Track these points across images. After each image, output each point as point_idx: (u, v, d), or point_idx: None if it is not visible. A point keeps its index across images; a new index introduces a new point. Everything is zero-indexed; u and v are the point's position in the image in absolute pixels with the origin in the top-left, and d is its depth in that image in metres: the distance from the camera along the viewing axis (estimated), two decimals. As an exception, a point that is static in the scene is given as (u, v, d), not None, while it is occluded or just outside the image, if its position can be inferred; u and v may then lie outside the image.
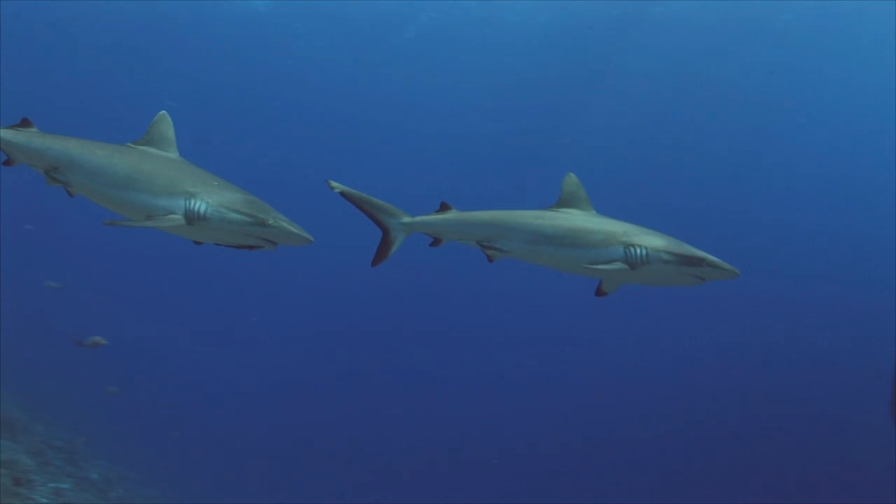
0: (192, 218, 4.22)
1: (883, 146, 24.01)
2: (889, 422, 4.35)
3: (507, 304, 23.85)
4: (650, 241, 4.54)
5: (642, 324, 18.60)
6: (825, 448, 14.29)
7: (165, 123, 4.77)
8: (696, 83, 22.85)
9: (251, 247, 4.33)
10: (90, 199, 4.67)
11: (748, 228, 24.44)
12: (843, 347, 17.60)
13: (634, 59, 21.72)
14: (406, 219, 4.98)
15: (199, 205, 4.23)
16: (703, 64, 21.77)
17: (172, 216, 4.25)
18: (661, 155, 26.59)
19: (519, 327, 22.71)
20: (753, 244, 19.78)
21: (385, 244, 4.98)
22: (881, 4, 16.82)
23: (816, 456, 14.06)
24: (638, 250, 4.52)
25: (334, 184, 4.95)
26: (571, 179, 5.05)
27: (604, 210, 5.04)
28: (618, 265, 4.54)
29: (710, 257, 4.49)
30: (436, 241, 5.07)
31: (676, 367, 17.78)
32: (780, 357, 17.63)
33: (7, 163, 4.83)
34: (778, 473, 14.24)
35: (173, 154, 4.74)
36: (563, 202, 5.01)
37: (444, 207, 5.10)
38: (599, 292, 4.88)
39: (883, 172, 24.55)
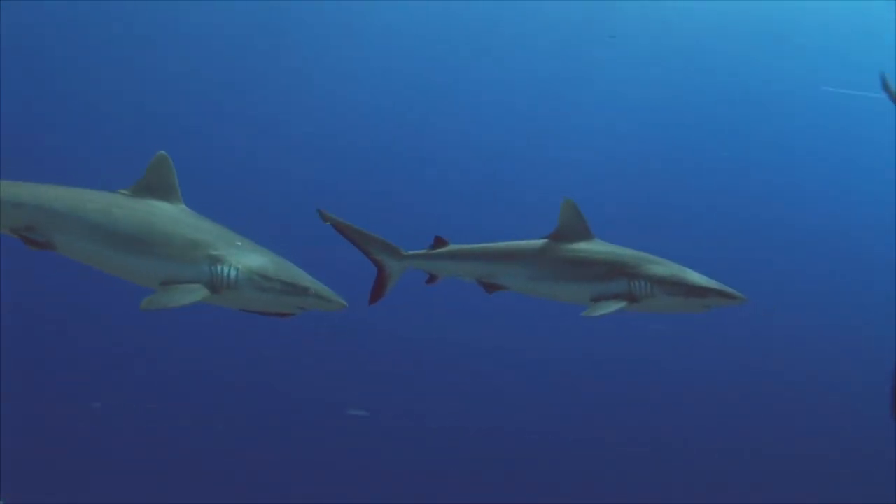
0: (219, 287, 3.61)
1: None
2: (889, 421, 4.35)
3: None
4: (654, 271, 4.39)
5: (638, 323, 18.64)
6: (824, 448, 14.28)
7: (166, 167, 4.04)
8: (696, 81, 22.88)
9: (279, 314, 3.85)
10: (82, 262, 3.88)
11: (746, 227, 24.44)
12: (843, 347, 17.58)
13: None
14: (401, 254, 4.86)
15: (228, 271, 3.62)
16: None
17: (195, 288, 3.56)
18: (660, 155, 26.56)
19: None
20: (750, 244, 19.77)
21: (381, 281, 4.86)
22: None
23: (816, 456, 14.05)
24: (642, 283, 4.37)
25: (327, 214, 4.77)
26: (569, 205, 4.81)
27: (602, 231, 4.85)
28: (619, 304, 4.35)
29: (717, 286, 4.37)
30: (432, 279, 4.94)
31: (673, 368, 17.79)
32: (780, 357, 17.62)
33: None
34: (776, 474, 14.23)
35: (179, 204, 4.01)
36: (562, 230, 4.80)
37: (438, 242, 4.93)
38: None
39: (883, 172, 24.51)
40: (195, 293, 3.55)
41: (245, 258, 3.71)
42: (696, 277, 4.41)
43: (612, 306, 4.33)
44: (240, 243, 3.83)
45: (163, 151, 4.04)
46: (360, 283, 4.75)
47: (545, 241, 4.81)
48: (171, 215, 3.89)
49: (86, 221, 3.72)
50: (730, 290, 4.39)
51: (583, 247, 4.70)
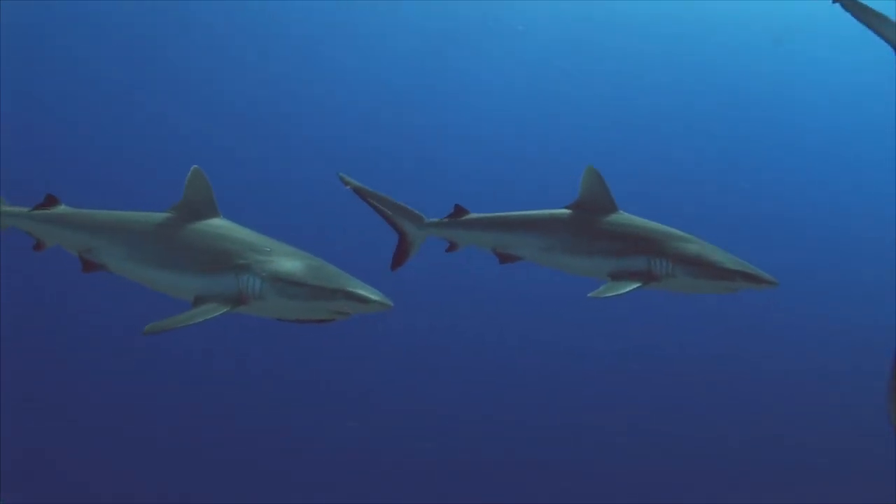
0: (246, 298, 3.51)
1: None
2: (887, 421, 4.36)
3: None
4: (678, 249, 4.12)
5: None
6: (823, 447, 14.27)
7: (201, 181, 4.04)
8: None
9: (321, 321, 3.64)
10: (130, 279, 4.02)
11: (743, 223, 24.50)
12: (841, 347, 17.56)
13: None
14: (423, 222, 4.80)
15: (252, 281, 3.52)
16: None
17: (214, 306, 3.49)
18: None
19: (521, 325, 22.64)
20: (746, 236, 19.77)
21: (402, 248, 4.81)
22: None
23: (814, 455, 14.04)
24: (663, 262, 4.08)
25: (347, 179, 4.69)
26: (591, 173, 4.50)
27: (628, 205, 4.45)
28: (632, 285, 4.03)
29: (744, 268, 4.06)
30: (451, 247, 4.86)
31: (671, 364, 17.77)
32: (776, 354, 17.60)
33: (37, 247, 4.31)
34: (776, 473, 14.22)
35: (215, 217, 4.00)
36: (583, 200, 4.53)
37: (458, 211, 4.82)
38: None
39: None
40: (211, 310, 3.47)
41: (271, 265, 3.55)
42: (722, 257, 4.10)
43: (625, 287, 4.04)
44: (269, 249, 3.67)
45: (196, 166, 4.08)
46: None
47: (565, 211, 4.58)
48: (207, 230, 3.91)
49: (129, 242, 3.95)
50: (760, 273, 4.07)
51: (603, 219, 4.42)
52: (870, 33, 3.69)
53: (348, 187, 4.69)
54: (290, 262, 3.59)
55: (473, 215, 4.78)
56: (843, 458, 13.81)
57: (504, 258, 4.63)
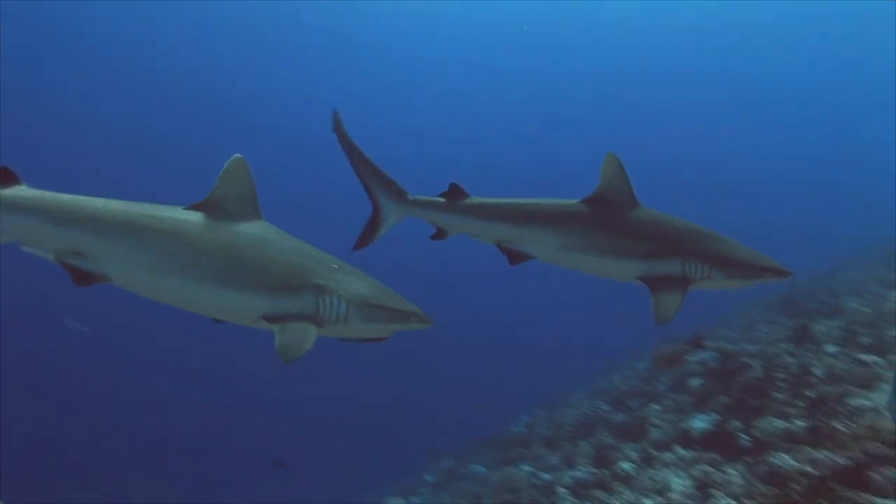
0: (325, 321, 3.08)
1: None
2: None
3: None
4: (712, 250, 3.80)
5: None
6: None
7: (244, 173, 3.31)
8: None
9: (372, 339, 3.33)
10: (146, 297, 3.14)
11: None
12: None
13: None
14: (405, 198, 4.02)
15: (337, 305, 3.09)
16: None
17: (302, 326, 2.99)
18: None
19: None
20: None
21: (373, 224, 4.02)
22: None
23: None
24: (698, 265, 3.75)
25: (340, 124, 3.90)
26: (612, 160, 3.94)
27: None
28: (681, 295, 3.67)
29: (772, 265, 3.87)
30: (438, 233, 4.07)
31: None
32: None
33: None
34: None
35: (260, 220, 3.33)
36: (603, 191, 3.97)
37: (453, 192, 4.06)
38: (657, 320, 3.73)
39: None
40: (304, 334, 2.99)
41: (352, 286, 3.18)
42: (749, 255, 3.85)
43: (677, 300, 3.66)
44: (336, 266, 3.25)
45: (239, 155, 3.28)
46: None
47: (583, 203, 3.99)
48: (258, 235, 3.23)
49: (154, 248, 2.97)
50: (782, 266, 3.89)
51: (628, 215, 3.91)
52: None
53: (335, 133, 3.91)
54: (364, 284, 3.24)
55: (473, 199, 4.06)
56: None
57: (514, 256, 3.95)
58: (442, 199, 4.04)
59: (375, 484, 11.91)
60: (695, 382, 9.03)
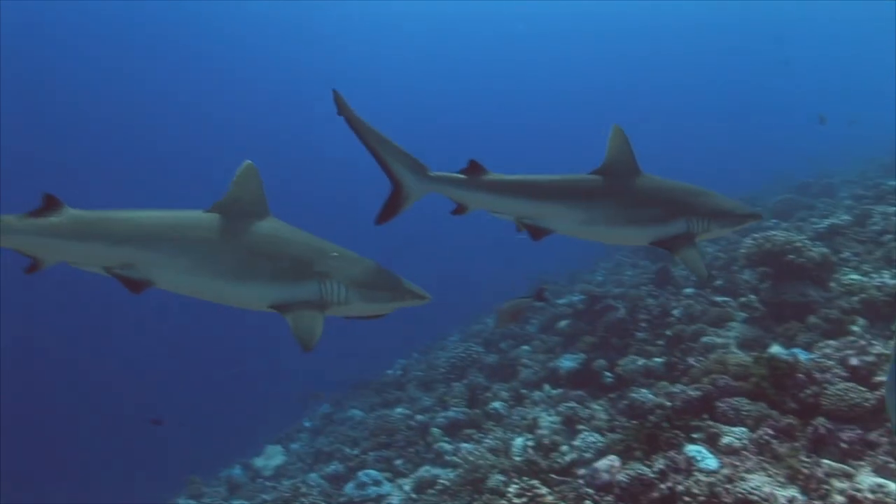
0: (329, 305, 3.51)
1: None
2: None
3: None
4: (707, 205, 4.18)
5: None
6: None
7: (254, 177, 3.65)
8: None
9: (374, 316, 3.72)
10: (182, 294, 3.58)
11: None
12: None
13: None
14: (427, 173, 4.06)
15: (338, 289, 3.52)
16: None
17: (310, 315, 3.42)
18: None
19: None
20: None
21: (395, 200, 4.05)
22: None
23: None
24: (699, 220, 4.15)
25: (342, 102, 3.83)
26: (618, 134, 4.15)
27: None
28: (701, 255, 4.10)
29: (752, 211, 4.37)
30: (460, 209, 4.20)
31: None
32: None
33: (31, 269, 3.46)
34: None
35: (267, 216, 3.69)
36: (610, 164, 4.19)
37: (473, 168, 4.15)
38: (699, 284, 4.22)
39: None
40: (310, 320, 3.41)
41: (350, 271, 3.58)
42: (732, 205, 4.26)
43: (696, 253, 4.07)
44: (336, 253, 3.62)
45: (249, 161, 3.65)
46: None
47: (596, 176, 4.19)
48: (270, 232, 3.62)
49: (187, 253, 3.44)
50: (757, 210, 4.41)
51: (636, 184, 4.18)
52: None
53: (342, 115, 3.86)
54: (361, 267, 3.62)
55: (492, 175, 4.15)
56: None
57: (536, 232, 4.13)
58: (462, 175, 4.13)
59: (264, 437, 11.79)
60: (563, 324, 9.45)
